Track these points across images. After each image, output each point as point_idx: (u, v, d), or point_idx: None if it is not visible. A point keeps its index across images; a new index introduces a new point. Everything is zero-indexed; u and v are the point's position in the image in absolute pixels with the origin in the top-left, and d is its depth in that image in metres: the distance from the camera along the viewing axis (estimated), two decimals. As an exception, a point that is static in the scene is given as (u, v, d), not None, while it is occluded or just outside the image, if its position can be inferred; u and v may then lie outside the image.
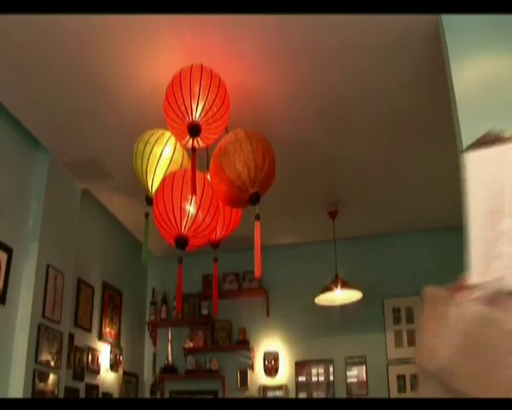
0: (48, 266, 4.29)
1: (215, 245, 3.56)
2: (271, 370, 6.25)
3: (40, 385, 4.05)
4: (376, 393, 5.94)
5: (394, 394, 5.91)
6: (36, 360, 4.02)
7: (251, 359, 6.34)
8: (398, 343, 6.05)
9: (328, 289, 5.39)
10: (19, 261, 4.07)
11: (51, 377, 4.21)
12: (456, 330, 1.35)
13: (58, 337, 4.34)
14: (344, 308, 5.69)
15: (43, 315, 4.17)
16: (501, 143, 1.41)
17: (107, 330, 5.59)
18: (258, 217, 3.07)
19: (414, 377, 5.89)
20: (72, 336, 4.79)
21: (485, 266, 1.35)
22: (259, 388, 6.23)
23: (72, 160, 4.56)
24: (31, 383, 3.95)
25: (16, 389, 3.86)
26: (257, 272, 3.01)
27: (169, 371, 6.39)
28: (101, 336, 5.44)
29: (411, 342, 5.97)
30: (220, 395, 6.31)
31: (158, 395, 6.43)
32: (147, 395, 6.46)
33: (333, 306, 5.66)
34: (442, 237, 6.05)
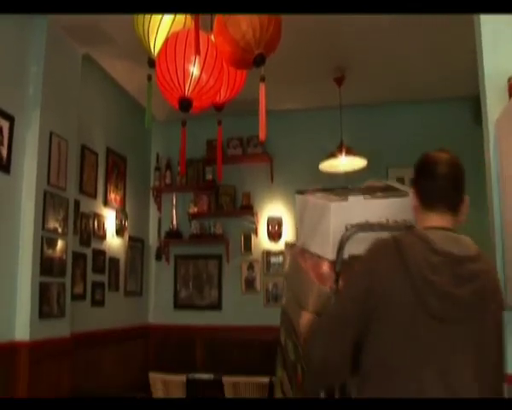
0: (51, 134, 4.22)
1: (219, 108, 3.46)
2: (275, 235, 6.34)
3: (49, 252, 4.13)
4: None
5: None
6: (43, 227, 4.08)
7: (255, 224, 6.42)
8: (402, 211, 6.10)
9: (332, 155, 5.35)
10: (21, 129, 4.01)
11: (59, 243, 4.27)
12: (288, 268, 2.82)
13: (64, 204, 4.37)
14: (348, 176, 5.67)
15: (49, 182, 4.17)
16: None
17: (112, 196, 5.61)
18: (263, 79, 2.96)
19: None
20: (77, 203, 4.81)
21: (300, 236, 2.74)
22: (263, 252, 6.36)
23: (70, 23, 4.35)
24: (39, 249, 4.03)
25: (26, 255, 3.95)
26: (261, 135, 2.95)
27: (174, 235, 6.50)
28: (106, 203, 5.47)
29: (414, 211, 6.04)
30: (224, 260, 6.46)
31: (163, 260, 6.60)
32: (152, 259, 6.63)
33: (337, 173, 5.63)
34: (447, 108, 5.98)
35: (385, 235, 1.95)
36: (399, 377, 1.68)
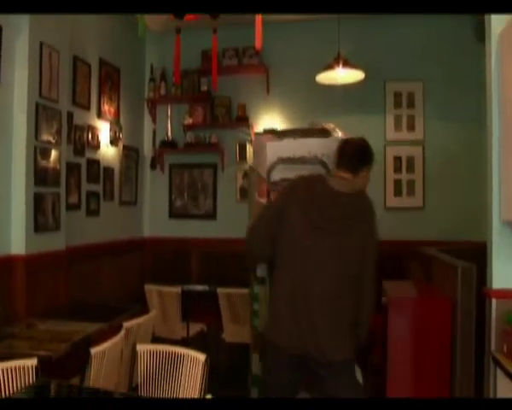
0: (41, 44, 4.12)
1: (215, 15, 3.37)
2: (270, 146, 6.31)
3: (42, 162, 4.13)
4: (373, 173, 6.05)
5: (390, 174, 6.09)
6: (36, 139, 4.06)
7: (250, 135, 6.39)
8: (398, 128, 6.08)
9: (329, 67, 5.24)
10: (10, 39, 3.91)
11: (53, 153, 4.27)
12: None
13: (57, 116, 4.33)
14: (345, 88, 5.60)
15: (40, 94, 4.11)
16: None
17: (106, 107, 5.55)
18: (260, -16, 2.87)
19: (411, 158, 6.02)
20: (70, 115, 4.77)
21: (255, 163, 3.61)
22: (258, 162, 6.37)
23: None
24: (33, 159, 4.04)
25: (19, 166, 3.96)
26: (257, 44, 2.92)
27: (169, 145, 6.49)
28: (100, 114, 5.42)
29: (411, 127, 6.03)
30: (219, 168, 6.49)
31: (158, 169, 6.62)
32: (147, 168, 6.65)
33: (334, 85, 5.55)
34: (448, 22, 5.80)
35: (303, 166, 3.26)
36: (292, 259, 2.74)
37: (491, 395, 2.75)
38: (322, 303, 2.65)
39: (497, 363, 2.64)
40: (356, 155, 2.88)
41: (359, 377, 2.89)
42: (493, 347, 2.79)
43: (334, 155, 2.93)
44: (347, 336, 2.67)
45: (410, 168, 6.03)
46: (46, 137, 4.17)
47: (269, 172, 3.26)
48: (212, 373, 2.81)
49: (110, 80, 5.66)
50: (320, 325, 2.63)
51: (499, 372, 2.63)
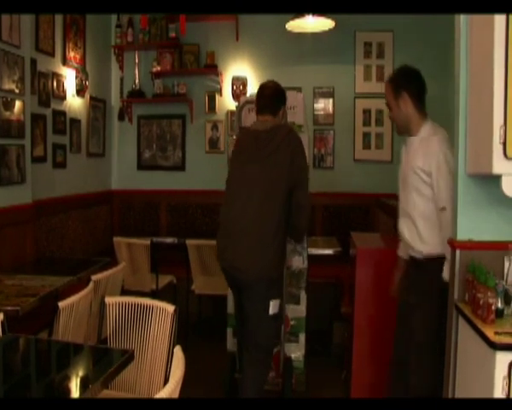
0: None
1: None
2: (239, 95, 6.23)
3: (6, 114, 4.01)
4: (342, 125, 6.13)
5: (360, 127, 6.12)
6: (-2, 87, 3.93)
7: (219, 83, 6.33)
8: (367, 77, 6.07)
9: (299, 15, 5.17)
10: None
11: (17, 104, 4.15)
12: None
13: (19, 63, 4.18)
14: (315, 37, 5.56)
15: (0, 38, 3.94)
16: None
17: (72, 54, 5.38)
18: None
19: (379, 111, 6.02)
20: (34, 62, 4.62)
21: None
22: (227, 112, 6.32)
23: None
24: (-5, 110, 3.91)
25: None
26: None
27: (136, 95, 6.37)
28: (65, 61, 5.26)
29: (380, 78, 5.99)
30: (188, 119, 6.42)
31: (126, 120, 6.52)
32: (115, 119, 6.55)
33: (304, 33, 5.50)
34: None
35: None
36: (227, 195, 3.36)
37: (453, 340, 2.83)
38: (241, 230, 3.15)
39: (459, 310, 2.71)
40: (269, 97, 3.41)
41: (276, 305, 3.23)
42: (456, 296, 2.86)
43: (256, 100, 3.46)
44: (263, 260, 3.12)
45: (379, 121, 6.06)
46: (8, 85, 4.03)
47: (239, 112, 4.18)
48: (182, 325, 2.83)
49: (75, 25, 5.48)
50: (238, 248, 3.16)
51: (461, 319, 2.71)
